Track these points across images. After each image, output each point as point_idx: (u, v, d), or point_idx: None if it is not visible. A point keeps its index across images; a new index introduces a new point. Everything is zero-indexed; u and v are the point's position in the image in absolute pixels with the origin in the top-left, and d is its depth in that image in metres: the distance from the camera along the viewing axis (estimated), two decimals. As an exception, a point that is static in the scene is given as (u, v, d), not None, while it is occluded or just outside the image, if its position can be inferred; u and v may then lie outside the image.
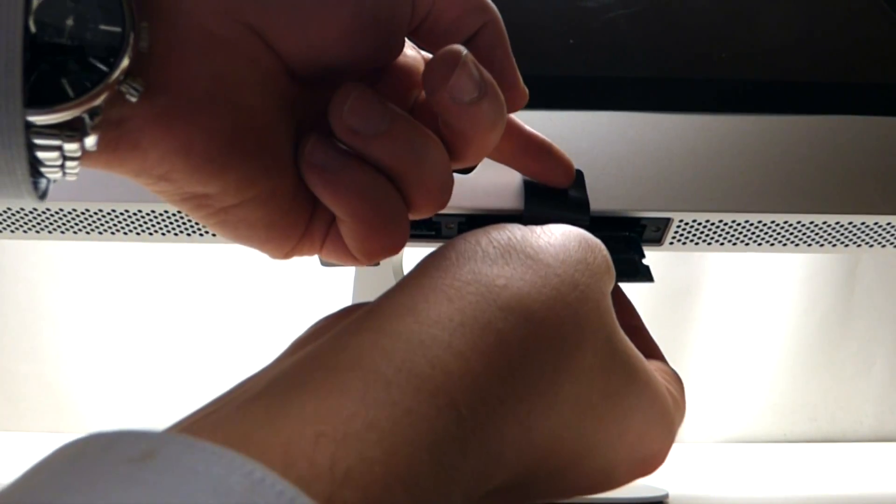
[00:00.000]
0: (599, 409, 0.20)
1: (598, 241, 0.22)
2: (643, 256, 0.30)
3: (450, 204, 0.29)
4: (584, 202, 0.29)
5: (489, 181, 0.31)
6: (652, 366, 0.24)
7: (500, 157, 0.27)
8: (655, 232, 0.32)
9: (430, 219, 0.31)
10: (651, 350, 0.26)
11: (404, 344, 0.17)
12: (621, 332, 0.21)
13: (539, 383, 0.18)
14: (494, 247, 0.20)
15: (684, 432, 0.64)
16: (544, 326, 0.19)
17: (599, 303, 0.20)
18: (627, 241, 0.31)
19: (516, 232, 0.21)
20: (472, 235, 0.21)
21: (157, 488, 0.11)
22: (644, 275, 0.30)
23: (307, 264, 0.30)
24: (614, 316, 0.21)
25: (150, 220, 0.32)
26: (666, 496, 0.45)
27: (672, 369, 0.25)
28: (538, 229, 0.21)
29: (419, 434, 0.15)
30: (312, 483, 0.13)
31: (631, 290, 0.29)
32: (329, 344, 0.17)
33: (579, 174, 0.29)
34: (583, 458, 0.20)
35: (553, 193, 0.29)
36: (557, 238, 0.21)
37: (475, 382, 0.17)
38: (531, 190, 0.30)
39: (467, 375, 0.17)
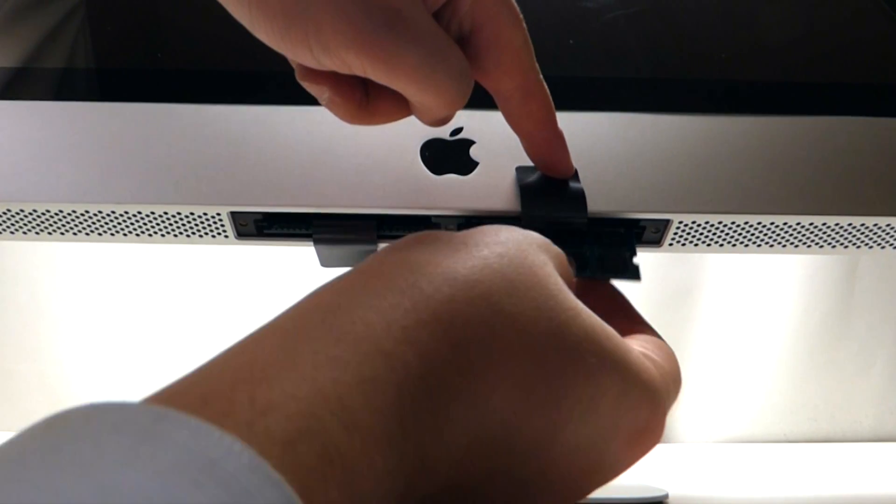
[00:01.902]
0: (552, 373, 0.19)
1: (520, 228, 0.23)
2: (635, 254, 0.30)
3: (448, 205, 0.29)
4: (580, 199, 0.29)
5: (486, 183, 0.31)
6: (635, 341, 0.23)
7: (531, 133, 0.28)
8: (655, 233, 0.32)
9: (430, 219, 0.31)
10: (634, 325, 0.26)
11: (324, 308, 0.18)
12: (575, 307, 0.21)
13: (479, 339, 0.18)
14: (414, 238, 0.22)
15: (684, 432, 0.64)
16: (471, 287, 0.19)
17: (535, 271, 0.21)
18: (622, 237, 0.31)
19: (439, 230, 0.23)
20: (395, 241, 0.22)
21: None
22: (632, 273, 0.29)
23: (307, 266, 0.30)
24: (561, 288, 0.21)
25: (150, 221, 0.32)
26: (666, 496, 0.45)
27: (661, 340, 0.25)
28: (464, 230, 0.23)
29: (346, 375, 0.16)
30: (229, 415, 0.14)
31: (631, 289, 0.29)
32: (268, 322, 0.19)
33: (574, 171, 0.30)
34: (548, 444, 0.20)
35: (549, 192, 0.29)
36: (479, 228, 0.22)
37: (404, 334, 0.17)
38: (527, 191, 0.30)
39: (393, 325, 0.17)
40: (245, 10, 0.21)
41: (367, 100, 0.25)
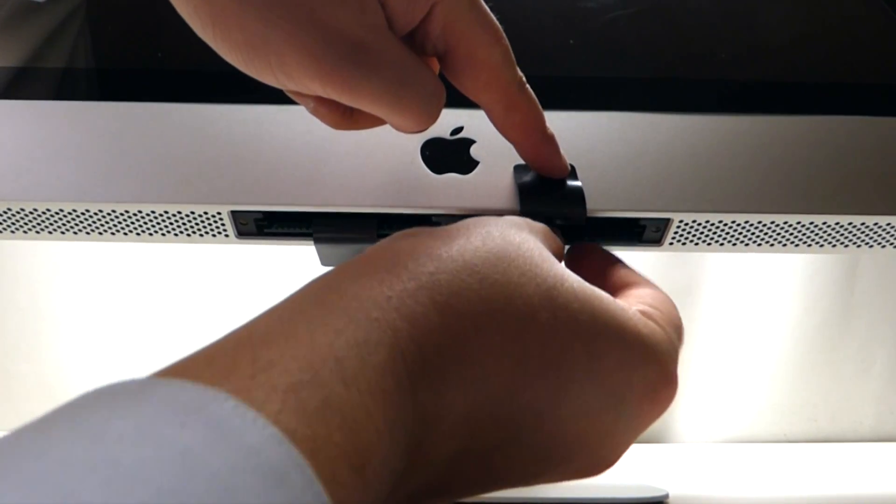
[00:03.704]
0: (547, 339, 0.20)
1: (516, 219, 0.24)
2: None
3: (448, 205, 0.30)
4: (579, 197, 0.29)
5: (487, 182, 0.31)
6: (631, 298, 0.24)
7: (518, 141, 0.28)
8: (655, 232, 0.32)
9: (430, 218, 0.31)
10: (628, 281, 0.26)
11: (317, 289, 0.19)
12: (562, 272, 0.22)
13: (466, 311, 0.19)
14: (404, 234, 0.22)
15: (684, 432, 0.64)
16: (458, 263, 0.20)
17: (520, 243, 0.22)
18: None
19: (426, 227, 0.23)
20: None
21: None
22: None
23: (308, 268, 0.30)
24: (545, 257, 0.22)
25: (151, 220, 0.32)
26: (666, 496, 0.45)
27: (657, 290, 0.25)
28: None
29: (340, 340, 0.17)
30: (232, 371, 0.15)
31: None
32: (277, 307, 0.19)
33: (572, 168, 0.30)
34: (552, 409, 0.20)
35: (547, 191, 0.29)
36: (462, 222, 0.23)
37: (395, 305, 0.18)
38: (525, 189, 0.30)
39: (379, 296, 0.19)
40: (209, 37, 0.21)
41: (350, 109, 0.25)
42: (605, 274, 0.27)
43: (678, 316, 0.24)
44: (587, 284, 0.22)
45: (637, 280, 0.26)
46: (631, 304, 0.23)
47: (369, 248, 0.22)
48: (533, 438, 0.20)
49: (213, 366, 0.15)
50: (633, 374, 0.21)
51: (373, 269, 0.20)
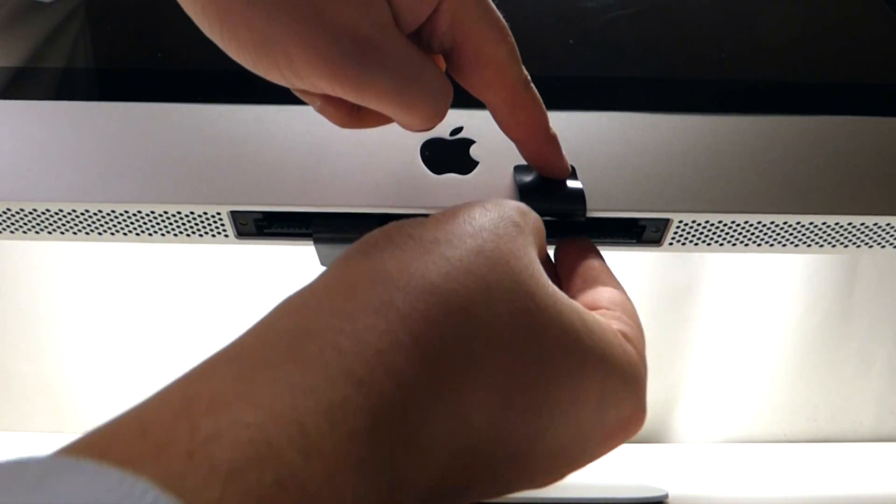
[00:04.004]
0: (535, 372, 0.19)
1: (510, 203, 0.22)
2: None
3: (446, 205, 0.29)
4: (579, 197, 0.29)
5: (486, 182, 0.31)
6: (608, 313, 0.23)
7: (522, 140, 0.28)
8: (655, 233, 0.32)
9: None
10: (598, 281, 0.25)
11: (290, 334, 0.17)
12: (554, 304, 0.20)
13: (456, 355, 0.18)
14: (381, 238, 0.21)
15: (684, 432, 0.64)
16: (449, 297, 0.18)
17: (512, 265, 0.20)
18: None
19: (408, 221, 0.21)
20: (357, 241, 0.21)
21: None
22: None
23: (310, 269, 0.30)
24: (538, 282, 0.20)
25: (150, 220, 0.32)
26: (666, 496, 0.45)
27: (625, 298, 0.24)
28: (435, 216, 0.22)
29: (309, 401, 0.15)
30: (168, 446, 0.13)
31: (631, 289, 0.29)
32: (224, 347, 0.17)
33: (572, 169, 0.30)
34: (529, 450, 0.19)
35: (547, 191, 0.29)
36: (451, 214, 0.21)
37: (378, 358, 0.16)
38: (525, 190, 0.30)
39: (367, 350, 0.16)
40: (217, 36, 0.21)
41: (356, 107, 0.25)
42: (577, 266, 0.26)
43: (642, 335, 0.24)
44: (577, 314, 0.21)
45: (609, 282, 0.26)
46: (605, 314, 0.23)
47: (347, 262, 0.20)
48: (504, 475, 0.20)
49: (146, 438, 0.13)
50: (609, 413, 0.21)
51: (357, 307, 0.17)
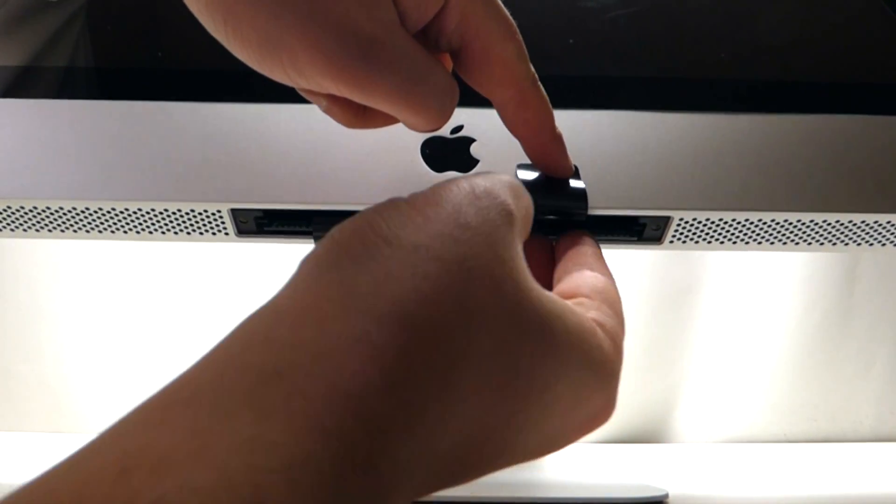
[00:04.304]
0: (513, 389, 0.18)
1: (503, 183, 0.21)
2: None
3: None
4: (581, 196, 0.29)
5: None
6: (588, 303, 0.23)
7: (527, 138, 0.28)
8: (655, 231, 0.32)
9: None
10: (584, 266, 0.25)
11: (254, 375, 0.15)
12: (532, 292, 0.19)
13: (431, 388, 0.17)
14: (355, 242, 0.18)
15: (684, 432, 0.64)
16: (425, 326, 0.17)
17: (493, 271, 0.18)
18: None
19: (385, 214, 0.19)
20: (328, 239, 0.19)
21: None
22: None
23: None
24: (520, 278, 0.19)
25: (151, 218, 0.32)
26: (666, 496, 0.45)
27: (609, 289, 0.24)
28: (418, 202, 0.20)
29: (269, 459, 0.13)
30: None
31: (631, 288, 0.29)
32: (169, 383, 0.16)
33: (575, 168, 0.30)
34: (512, 444, 0.19)
35: (549, 190, 0.29)
36: (437, 204, 0.19)
37: (348, 403, 0.15)
38: (528, 188, 0.30)
39: (337, 395, 0.15)
40: (221, 35, 0.21)
41: (363, 107, 0.25)
42: (570, 250, 0.26)
43: (622, 323, 0.23)
44: (546, 307, 0.20)
45: (592, 262, 0.25)
46: (583, 303, 0.23)
47: (316, 280, 0.18)
48: (476, 475, 0.19)
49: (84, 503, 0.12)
50: (580, 411, 0.21)
51: (329, 344, 0.16)
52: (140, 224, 0.32)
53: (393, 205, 0.19)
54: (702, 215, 0.31)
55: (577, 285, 0.24)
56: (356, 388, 0.15)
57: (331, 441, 0.14)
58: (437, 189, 0.20)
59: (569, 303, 0.22)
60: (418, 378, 0.16)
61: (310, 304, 0.17)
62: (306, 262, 0.19)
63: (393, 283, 0.17)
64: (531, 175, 0.30)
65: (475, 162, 0.32)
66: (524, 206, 0.22)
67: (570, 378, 0.20)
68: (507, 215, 0.20)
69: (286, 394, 0.15)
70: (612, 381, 0.21)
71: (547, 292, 0.20)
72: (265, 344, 0.16)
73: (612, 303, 0.23)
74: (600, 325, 0.22)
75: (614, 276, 0.25)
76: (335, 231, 0.19)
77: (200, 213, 0.31)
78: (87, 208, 0.31)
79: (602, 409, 0.22)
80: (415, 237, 0.18)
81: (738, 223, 0.32)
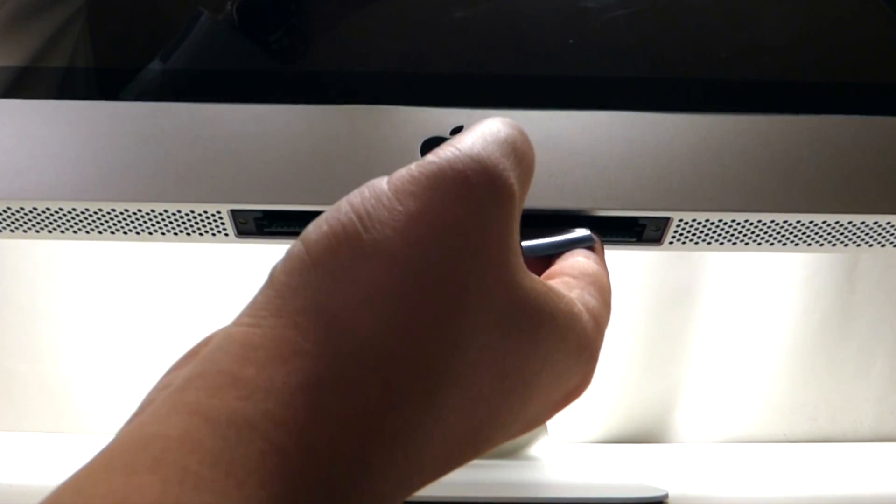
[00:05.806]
0: (500, 394, 0.18)
1: (484, 158, 0.17)
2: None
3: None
4: (587, 238, 0.29)
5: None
6: (565, 277, 0.23)
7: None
8: (655, 232, 0.32)
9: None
10: (576, 252, 0.25)
11: (225, 430, 0.14)
12: (523, 290, 0.18)
13: (413, 416, 0.16)
14: (329, 253, 0.16)
15: (684, 432, 0.63)
16: (408, 357, 0.16)
17: (485, 279, 0.17)
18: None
19: (363, 210, 0.16)
20: (300, 245, 0.17)
21: None
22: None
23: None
24: (514, 279, 0.18)
25: (151, 219, 0.32)
26: (666, 496, 0.45)
27: (597, 273, 0.23)
28: (388, 194, 0.17)
29: None
30: None
31: (630, 288, 0.29)
32: (134, 431, 0.15)
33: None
34: (494, 441, 0.19)
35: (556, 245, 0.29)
36: (412, 202, 0.16)
37: (320, 460, 0.14)
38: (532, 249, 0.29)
39: (307, 454, 0.14)
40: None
41: None
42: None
43: (609, 288, 0.23)
44: (534, 289, 0.19)
45: (586, 252, 0.26)
46: (567, 282, 0.22)
47: (289, 300, 0.17)
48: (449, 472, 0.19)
49: None
50: (560, 390, 0.21)
51: (298, 407, 0.15)
52: (140, 225, 0.32)
53: (372, 198, 0.17)
54: (702, 216, 0.31)
55: (561, 267, 0.24)
56: (332, 456, 0.15)
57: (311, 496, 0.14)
58: (424, 171, 0.17)
59: (552, 283, 0.21)
60: (402, 413, 0.16)
61: (278, 335, 0.16)
62: (276, 275, 0.17)
63: (367, 315, 0.16)
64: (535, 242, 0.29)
65: (475, 162, 0.32)
66: (526, 166, 0.19)
67: (553, 366, 0.20)
68: (505, 196, 0.17)
69: (260, 452, 0.14)
70: (592, 361, 0.21)
71: (536, 282, 0.19)
72: (234, 387, 0.15)
73: (601, 287, 0.23)
74: (584, 304, 0.21)
75: (610, 273, 0.25)
76: (311, 231, 0.17)
77: (200, 214, 0.31)
78: (87, 209, 0.31)
79: (578, 385, 0.21)
80: (391, 244, 0.16)
81: (738, 224, 0.32)
